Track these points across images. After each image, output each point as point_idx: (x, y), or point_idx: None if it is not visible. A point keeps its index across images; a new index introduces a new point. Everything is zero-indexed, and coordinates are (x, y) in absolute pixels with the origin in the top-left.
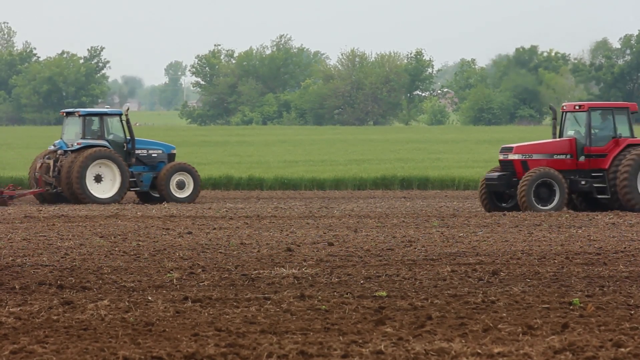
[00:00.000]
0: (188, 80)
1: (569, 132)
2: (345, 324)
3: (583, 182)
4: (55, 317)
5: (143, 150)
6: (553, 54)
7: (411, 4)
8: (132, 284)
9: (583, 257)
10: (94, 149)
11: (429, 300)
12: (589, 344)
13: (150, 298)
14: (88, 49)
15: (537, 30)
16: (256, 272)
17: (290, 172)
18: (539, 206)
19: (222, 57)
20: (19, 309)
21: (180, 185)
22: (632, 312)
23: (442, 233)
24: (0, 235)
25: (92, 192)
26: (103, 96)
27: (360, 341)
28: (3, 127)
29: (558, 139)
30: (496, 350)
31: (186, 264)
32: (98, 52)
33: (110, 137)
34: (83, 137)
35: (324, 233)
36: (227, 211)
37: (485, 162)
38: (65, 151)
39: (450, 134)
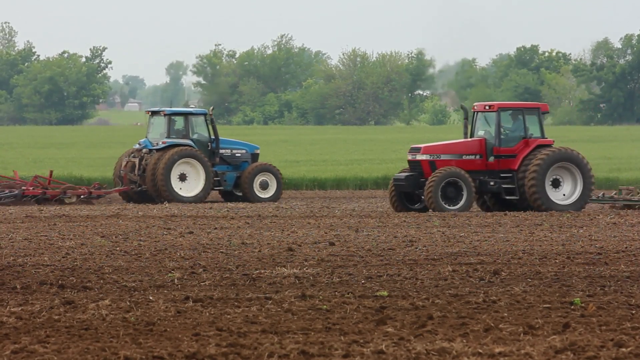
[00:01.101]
0: (189, 80)
1: (480, 133)
2: (347, 323)
3: (492, 183)
4: (56, 317)
5: (227, 150)
6: (554, 53)
7: (412, 4)
8: (134, 284)
9: (584, 256)
10: (179, 148)
11: (430, 300)
12: (590, 343)
13: (151, 298)
14: (90, 49)
15: (538, 30)
16: (257, 271)
17: (292, 172)
18: (447, 206)
19: (223, 57)
20: (20, 308)
21: (264, 186)
22: (634, 311)
23: (443, 233)
24: (2, 234)
25: (176, 190)
26: (104, 96)
27: (362, 341)
28: (4, 127)
29: (468, 139)
30: (497, 350)
31: (187, 263)
32: (100, 52)
33: (195, 136)
34: (168, 136)
35: (325, 233)
36: (228, 211)
37: None
38: (150, 150)
39: (452, 134)
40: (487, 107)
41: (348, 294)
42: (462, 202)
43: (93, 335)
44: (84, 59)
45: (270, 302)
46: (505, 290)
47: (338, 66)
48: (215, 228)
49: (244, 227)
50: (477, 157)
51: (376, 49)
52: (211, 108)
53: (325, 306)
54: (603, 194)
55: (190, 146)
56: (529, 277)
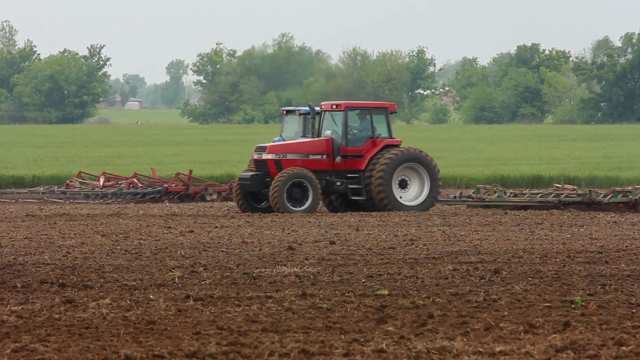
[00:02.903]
0: (190, 78)
1: (327, 132)
2: (347, 322)
3: (339, 183)
4: (56, 316)
5: None
6: (554, 52)
7: (412, 3)
8: (134, 283)
9: (585, 255)
10: None
11: (431, 299)
12: (590, 342)
13: (151, 297)
14: (88, 47)
15: (539, 29)
16: (258, 270)
17: None
18: (292, 207)
19: (224, 56)
20: (20, 307)
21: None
22: (634, 310)
23: (443, 232)
24: (2, 233)
25: None
26: (104, 95)
27: (362, 340)
28: (4, 126)
29: (314, 139)
30: (498, 349)
31: (188, 262)
32: (98, 50)
33: None
34: (303, 135)
35: (326, 231)
36: (228, 210)
37: (487, 160)
38: None
39: (452, 133)
40: (334, 107)
41: (348, 292)
42: (308, 203)
43: (93, 334)
44: (83, 58)
45: (270, 300)
46: (506, 289)
47: (338, 65)
48: (216, 227)
49: (245, 225)
50: (324, 157)
51: (377, 47)
52: None
53: (325, 305)
54: (460, 194)
55: None
56: (530, 276)
